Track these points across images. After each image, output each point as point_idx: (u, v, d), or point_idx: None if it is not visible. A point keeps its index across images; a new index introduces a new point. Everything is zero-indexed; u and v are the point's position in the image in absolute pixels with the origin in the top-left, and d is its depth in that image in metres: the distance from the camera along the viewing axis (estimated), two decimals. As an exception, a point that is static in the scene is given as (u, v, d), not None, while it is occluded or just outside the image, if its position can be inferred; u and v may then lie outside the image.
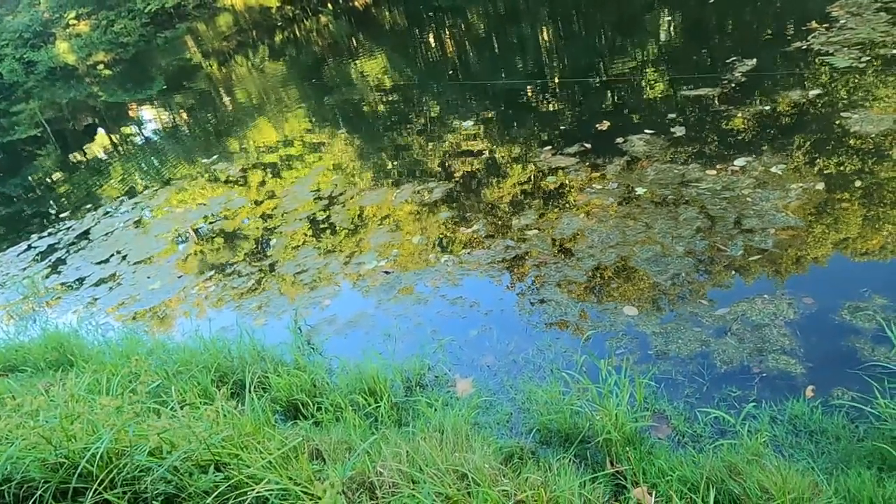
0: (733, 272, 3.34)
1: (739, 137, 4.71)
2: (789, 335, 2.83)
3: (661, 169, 4.53)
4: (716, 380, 2.72)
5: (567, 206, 4.46)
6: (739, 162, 4.32)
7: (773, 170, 4.12)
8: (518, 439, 2.63)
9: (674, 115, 5.35)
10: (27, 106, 21.14)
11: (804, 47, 5.91)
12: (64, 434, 2.33)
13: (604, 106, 6.40)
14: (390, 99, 9.65)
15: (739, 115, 5.02)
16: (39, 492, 2.26)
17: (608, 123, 5.65)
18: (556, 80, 8.15)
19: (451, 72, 10.85)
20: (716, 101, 5.38)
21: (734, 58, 6.12)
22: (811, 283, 3.14)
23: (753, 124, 4.84)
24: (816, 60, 5.60)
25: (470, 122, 6.90)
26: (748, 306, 3.06)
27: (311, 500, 2.01)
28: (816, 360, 2.68)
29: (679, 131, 5.05)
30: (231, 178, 7.45)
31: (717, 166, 4.35)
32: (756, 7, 8.36)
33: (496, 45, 12.19)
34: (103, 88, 21.50)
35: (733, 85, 5.57)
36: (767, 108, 5.01)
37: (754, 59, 5.96)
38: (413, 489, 2.08)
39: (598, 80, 7.31)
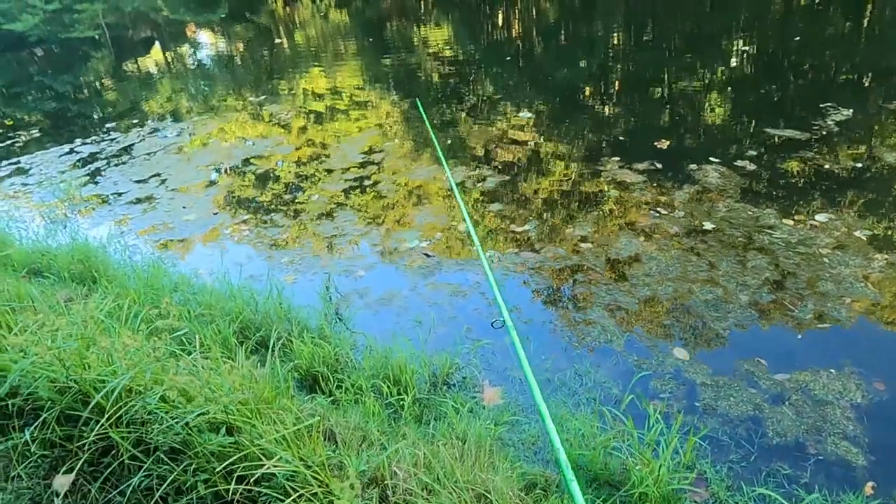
0: (800, 336, 3.10)
1: (824, 191, 4.40)
2: (854, 420, 2.60)
3: (734, 207, 4.25)
4: (765, 451, 2.50)
5: (627, 225, 4.21)
6: (821, 217, 4.02)
7: (857, 233, 3.83)
8: (543, 468, 2.46)
9: (754, 153, 5.04)
10: (91, 6, 21.13)
11: (908, 107, 5.52)
12: (79, 359, 2.22)
13: (682, 129, 6.08)
14: (447, 71, 9.37)
15: (827, 166, 4.69)
16: (45, 414, 2.16)
17: (667, 142, 5.42)
18: (617, 86, 7.81)
19: (513, 55, 10.52)
20: (803, 146, 5.05)
21: (829, 104, 5.75)
22: (886, 367, 2.88)
23: (841, 180, 4.51)
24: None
25: (528, 113, 6.63)
26: (811, 377, 2.82)
27: (319, 486, 1.86)
28: (881, 455, 2.45)
29: (758, 170, 4.74)
30: (280, 122, 7.29)
31: (796, 217, 4.06)
32: (859, 53, 7.87)
33: (563, 37, 11.79)
34: (167, 3, 21.37)
35: (824, 132, 5.22)
36: (859, 165, 4.68)
37: (850, 110, 5.58)
38: (428, 499, 1.93)
39: (666, 98, 6.97)
